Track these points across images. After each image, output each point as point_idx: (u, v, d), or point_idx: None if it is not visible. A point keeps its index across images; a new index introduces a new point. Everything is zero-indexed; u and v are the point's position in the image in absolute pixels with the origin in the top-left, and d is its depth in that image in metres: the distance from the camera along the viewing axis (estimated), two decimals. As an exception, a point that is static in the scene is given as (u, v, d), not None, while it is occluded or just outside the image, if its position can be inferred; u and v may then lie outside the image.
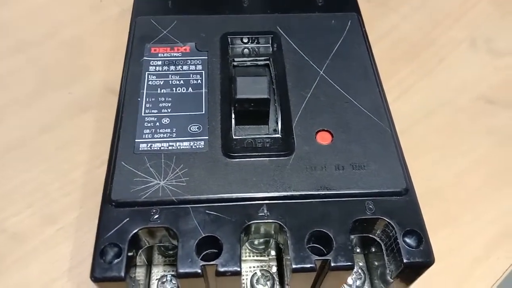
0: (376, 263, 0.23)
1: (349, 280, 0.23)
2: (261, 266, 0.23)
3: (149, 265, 0.23)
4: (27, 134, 0.31)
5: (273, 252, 0.23)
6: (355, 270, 0.23)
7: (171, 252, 0.23)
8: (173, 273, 0.23)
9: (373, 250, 0.23)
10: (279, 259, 0.23)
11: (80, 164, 0.30)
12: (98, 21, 0.38)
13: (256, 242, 0.23)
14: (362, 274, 0.23)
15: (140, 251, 0.20)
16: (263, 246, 0.23)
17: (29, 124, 0.32)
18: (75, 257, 0.26)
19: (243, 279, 0.23)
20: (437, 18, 0.40)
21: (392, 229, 0.20)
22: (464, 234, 0.28)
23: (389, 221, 0.20)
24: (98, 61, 0.35)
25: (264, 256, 0.24)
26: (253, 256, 0.24)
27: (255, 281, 0.23)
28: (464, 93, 0.35)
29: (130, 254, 0.19)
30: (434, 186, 0.30)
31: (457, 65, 0.37)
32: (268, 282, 0.23)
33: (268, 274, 0.23)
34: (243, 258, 0.23)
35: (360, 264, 0.24)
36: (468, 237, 0.28)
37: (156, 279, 0.23)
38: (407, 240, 0.19)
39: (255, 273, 0.23)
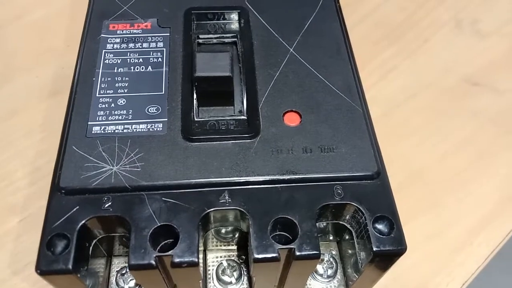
0: (349, 251, 0.22)
1: (320, 269, 0.22)
2: (229, 256, 0.22)
3: (109, 256, 0.22)
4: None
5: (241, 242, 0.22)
6: (326, 258, 0.22)
7: (132, 242, 0.21)
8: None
9: (347, 237, 0.22)
10: (246, 248, 0.22)
11: (46, 152, 0.29)
12: (66, 2, 0.36)
13: (223, 230, 0.22)
14: (334, 263, 0.22)
15: (95, 241, 0.19)
16: (230, 235, 0.22)
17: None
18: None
19: (209, 270, 0.22)
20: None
21: (362, 215, 0.18)
22: (447, 219, 0.27)
23: (358, 206, 0.18)
24: (66, 44, 0.34)
25: (233, 245, 0.22)
26: (220, 246, 0.22)
27: (220, 272, 0.21)
28: (448, 75, 0.34)
29: (80, 245, 0.17)
30: (416, 169, 0.29)
31: (441, 47, 0.35)
32: (234, 273, 0.21)
33: (235, 264, 0.22)
34: (210, 248, 0.22)
35: (333, 252, 0.22)
36: (451, 222, 0.27)
37: (116, 271, 0.21)
38: (378, 226, 0.18)
39: (221, 263, 0.22)
